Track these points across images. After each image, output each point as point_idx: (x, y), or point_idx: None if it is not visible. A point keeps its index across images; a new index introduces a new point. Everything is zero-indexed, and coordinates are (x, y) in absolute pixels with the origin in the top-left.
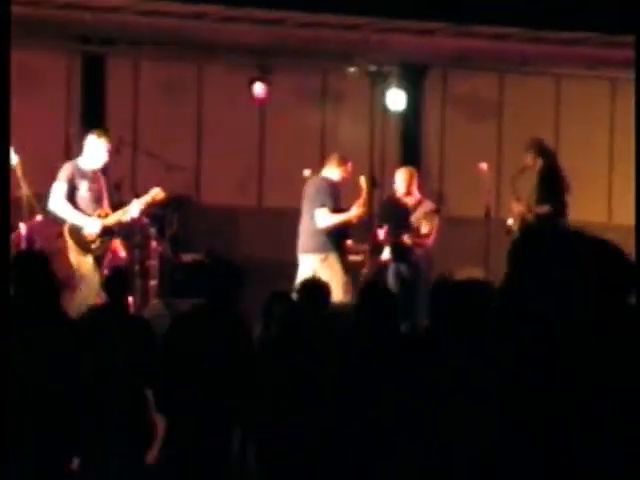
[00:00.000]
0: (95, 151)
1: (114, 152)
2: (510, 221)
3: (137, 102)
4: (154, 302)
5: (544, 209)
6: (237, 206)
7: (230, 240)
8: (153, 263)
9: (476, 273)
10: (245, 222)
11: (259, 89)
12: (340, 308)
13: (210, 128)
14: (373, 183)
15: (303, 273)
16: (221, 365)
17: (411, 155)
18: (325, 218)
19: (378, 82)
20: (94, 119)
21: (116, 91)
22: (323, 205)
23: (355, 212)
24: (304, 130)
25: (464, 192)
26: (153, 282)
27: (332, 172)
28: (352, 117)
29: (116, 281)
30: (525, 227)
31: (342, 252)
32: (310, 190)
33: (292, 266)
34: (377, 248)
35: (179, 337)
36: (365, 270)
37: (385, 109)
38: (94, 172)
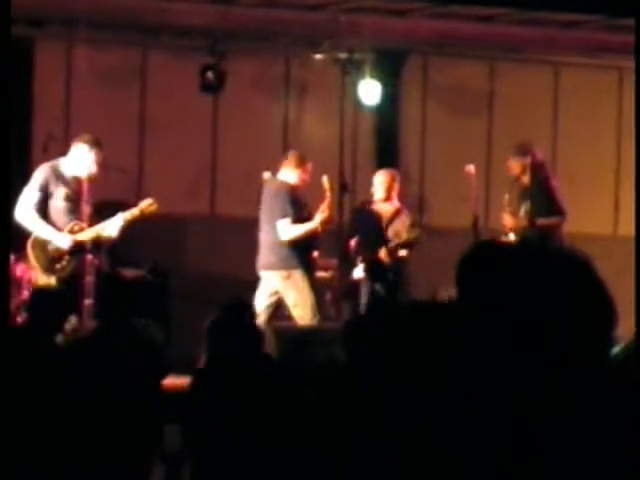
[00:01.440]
0: (82, 161)
1: (42, 151)
2: (511, 236)
3: (70, 93)
4: (90, 325)
5: (551, 221)
6: (186, 214)
7: (178, 253)
8: (88, 279)
9: None
10: (196, 232)
11: (211, 78)
12: (311, 332)
13: (155, 123)
14: (343, 187)
15: (263, 291)
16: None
17: (387, 155)
18: (288, 230)
19: (349, 71)
20: (19, 112)
21: (45, 80)
22: (285, 215)
23: (320, 218)
24: (264, 126)
25: (448, 198)
26: (88, 301)
27: (290, 174)
28: (319, 111)
29: (37, 302)
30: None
31: (308, 267)
32: (268, 197)
33: (249, 283)
34: (348, 262)
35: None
36: (333, 288)
37: (357, 102)
38: (76, 179)
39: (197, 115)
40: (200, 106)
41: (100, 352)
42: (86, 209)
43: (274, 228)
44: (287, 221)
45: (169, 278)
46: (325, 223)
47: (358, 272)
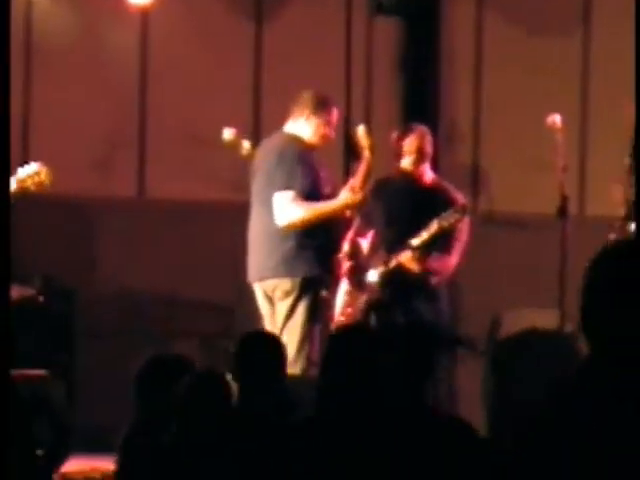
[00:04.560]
0: None
1: None
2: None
3: None
4: None
5: None
6: (99, 197)
7: (88, 259)
8: None
9: (545, 318)
10: (114, 226)
11: None
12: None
13: (47, 52)
14: (350, 150)
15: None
16: None
17: (419, 99)
18: (288, 209)
19: None
20: None
21: None
22: (288, 186)
23: (347, 198)
24: (223, 57)
25: (518, 168)
26: None
27: (304, 125)
28: (310, 31)
29: None
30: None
31: (325, 278)
32: (267, 160)
33: (200, 305)
34: (357, 269)
35: None
36: (343, 312)
37: (373, 14)
38: None
39: (116, 40)
40: (121, 25)
41: None
42: None
43: (271, 211)
44: (289, 196)
45: (74, 300)
46: (354, 206)
47: (373, 276)
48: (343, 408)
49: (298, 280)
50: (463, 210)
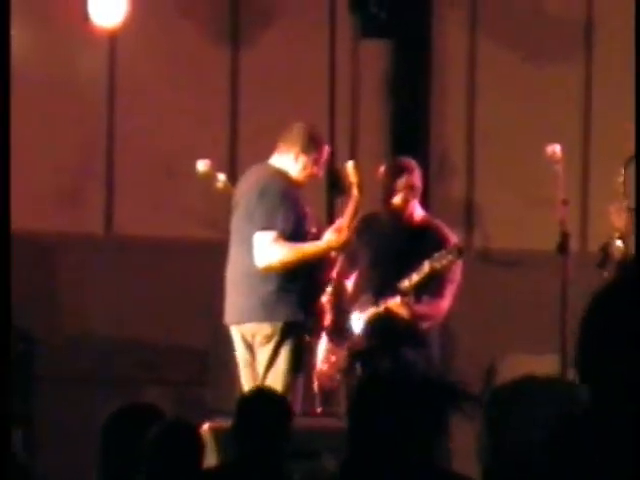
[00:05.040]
0: None
1: None
2: (619, 242)
3: None
4: None
5: None
6: (64, 232)
7: (50, 301)
8: None
9: (545, 364)
10: (80, 263)
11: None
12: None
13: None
14: (335, 185)
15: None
16: None
17: (407, 129)
18: (271, 250)
19: None
20: None
21: None
22: (269, 226)
23: (330, 240)
24: (196, 81)
25: (517, 204)
26: None
27: (292, 162)
28: (293, 54)
29: None
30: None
31: (309, 323)
32: (247, 195)
33: (171, 351)
34: (340, 314)
35: None
36: (326, 359)
37: (359, 38)
38: None
39: (82, 65)
40: (87, 50)
41: None
42: None
43: (251, 251)
44: (270, 236)
45: (33, 343)
46: (338, 248)
47: (357, 323)
48: (377, 462)
49: (279, 325)
50: (459, 252)
